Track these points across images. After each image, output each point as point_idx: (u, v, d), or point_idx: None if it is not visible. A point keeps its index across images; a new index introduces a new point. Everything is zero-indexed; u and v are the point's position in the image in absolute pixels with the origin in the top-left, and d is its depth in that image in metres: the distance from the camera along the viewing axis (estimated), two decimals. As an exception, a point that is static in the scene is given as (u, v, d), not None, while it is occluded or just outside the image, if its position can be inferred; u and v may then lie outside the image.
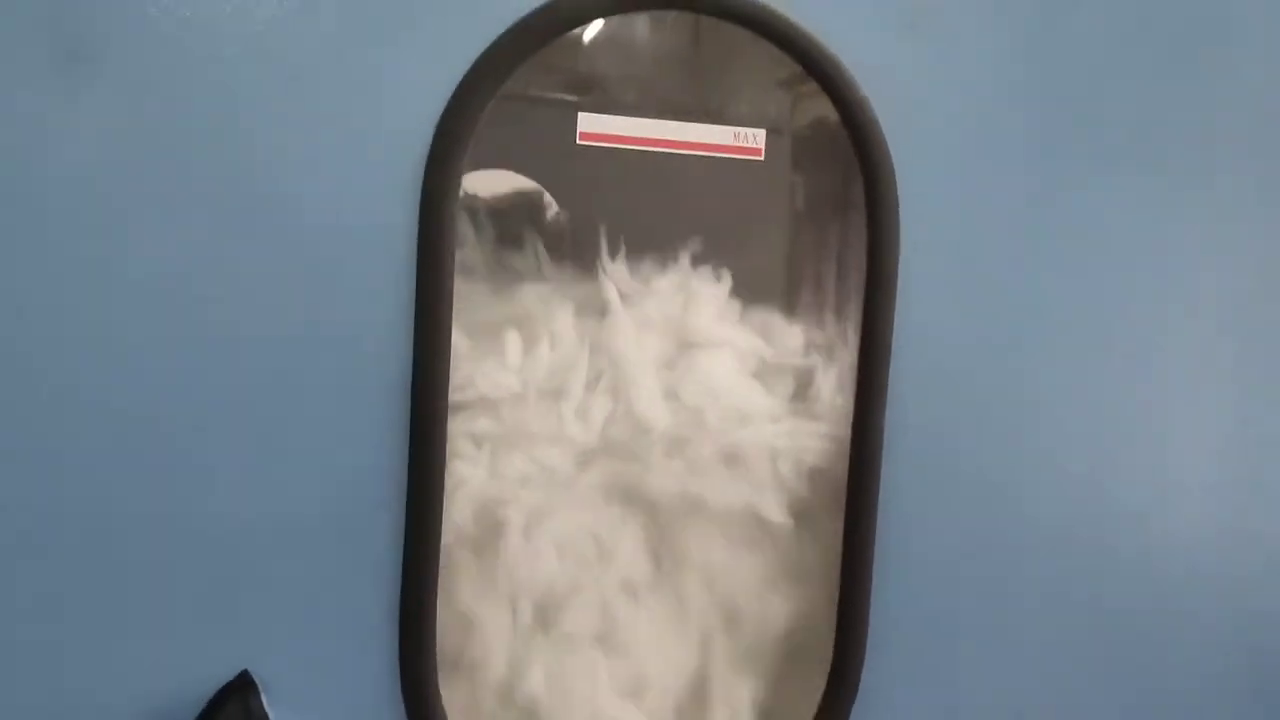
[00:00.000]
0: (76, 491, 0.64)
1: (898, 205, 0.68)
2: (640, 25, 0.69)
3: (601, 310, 0.66)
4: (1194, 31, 0.71)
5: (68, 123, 0.61)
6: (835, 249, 0.72)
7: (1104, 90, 0.72)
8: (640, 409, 0.65)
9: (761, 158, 0.68)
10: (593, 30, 0.68)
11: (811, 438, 0.69)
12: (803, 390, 0.70)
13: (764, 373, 0.69)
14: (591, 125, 0.66)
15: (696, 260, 0.69)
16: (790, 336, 0.69)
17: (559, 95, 0.67)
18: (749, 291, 0.69)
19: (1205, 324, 0.73)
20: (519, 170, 0.71)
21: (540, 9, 0.66)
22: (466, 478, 0.66)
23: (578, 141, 0.66)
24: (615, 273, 0.66)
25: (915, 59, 0.69)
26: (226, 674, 0.67)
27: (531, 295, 0.66)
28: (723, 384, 0.67)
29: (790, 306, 0.71)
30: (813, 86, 0.67)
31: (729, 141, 0.67)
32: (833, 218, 0.71)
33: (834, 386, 0.70)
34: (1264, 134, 0.73)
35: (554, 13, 0.66)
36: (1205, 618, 0.76)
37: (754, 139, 0.67)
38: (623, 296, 0.66)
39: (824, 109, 0.68)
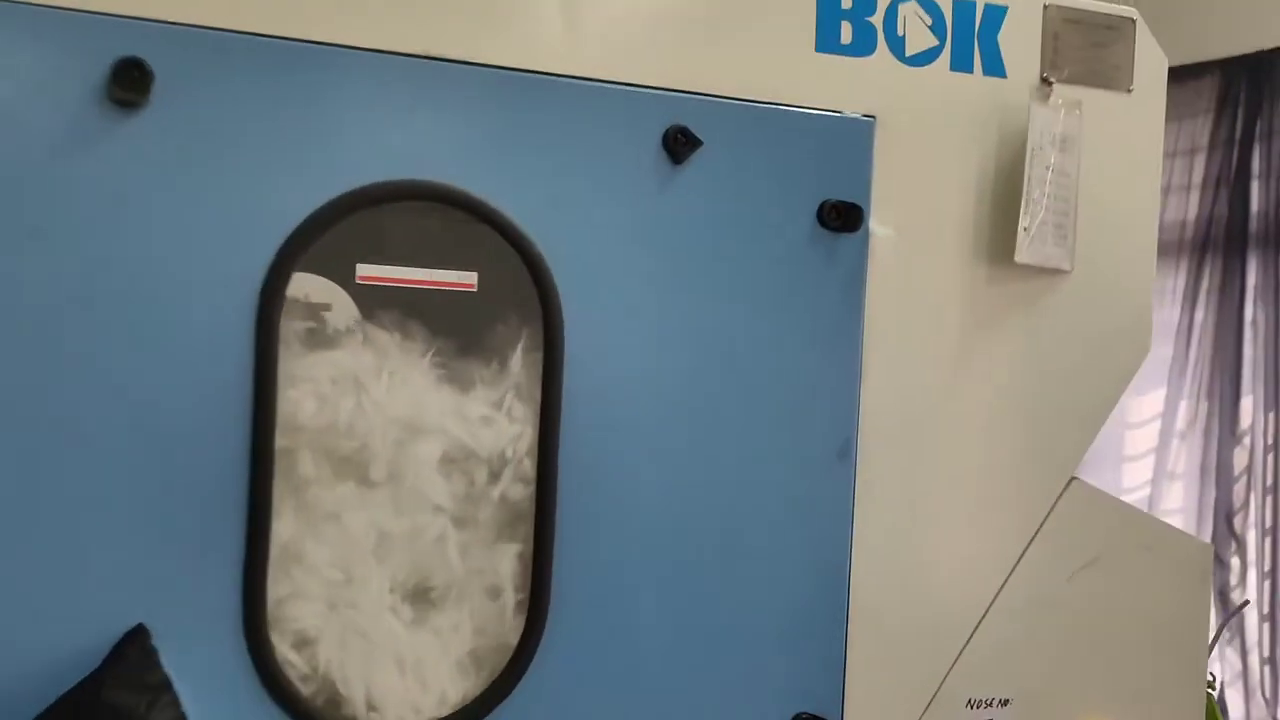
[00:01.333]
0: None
1: (563, 325, 1.12)
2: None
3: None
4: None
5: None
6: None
7: (702, 242, 1.18)
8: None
9: (474, 290, 1.11)
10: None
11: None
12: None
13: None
14: (365, 270, 1.08)
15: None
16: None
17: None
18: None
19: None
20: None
21: (334, 200, 1.07)
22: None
23: (357, 281, 1.08)
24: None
25: (574, 227, 1.14)
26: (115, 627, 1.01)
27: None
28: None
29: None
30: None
31: (452, 280, 1.10)
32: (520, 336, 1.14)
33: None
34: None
35: (342, 204, 1.07)
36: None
37: (469, 279, 1.10)
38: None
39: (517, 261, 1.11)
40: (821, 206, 1.21)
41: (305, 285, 1.06)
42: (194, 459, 1.03)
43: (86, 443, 1.01)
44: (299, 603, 1.07)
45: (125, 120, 1.01)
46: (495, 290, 1.11)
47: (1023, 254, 1.27)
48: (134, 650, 1.03)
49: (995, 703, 1.30)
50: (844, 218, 1.21)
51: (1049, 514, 1.32)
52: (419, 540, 1.09)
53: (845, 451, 1.23)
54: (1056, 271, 1.30)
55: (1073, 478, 1.33)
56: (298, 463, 1.06)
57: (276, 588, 1.05)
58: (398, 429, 1.08)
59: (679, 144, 1.15)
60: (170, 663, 1.03)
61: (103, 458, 1.01)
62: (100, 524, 1.02)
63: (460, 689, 1.11)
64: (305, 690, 1.06)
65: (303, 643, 1.07)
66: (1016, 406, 1.31)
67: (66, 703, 1.00)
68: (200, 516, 1.04)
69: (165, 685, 1.03)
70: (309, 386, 1.06)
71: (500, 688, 1.11)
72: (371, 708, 1.08)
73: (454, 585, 1.10)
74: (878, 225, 1.24)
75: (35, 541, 1.00)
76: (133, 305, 1.02)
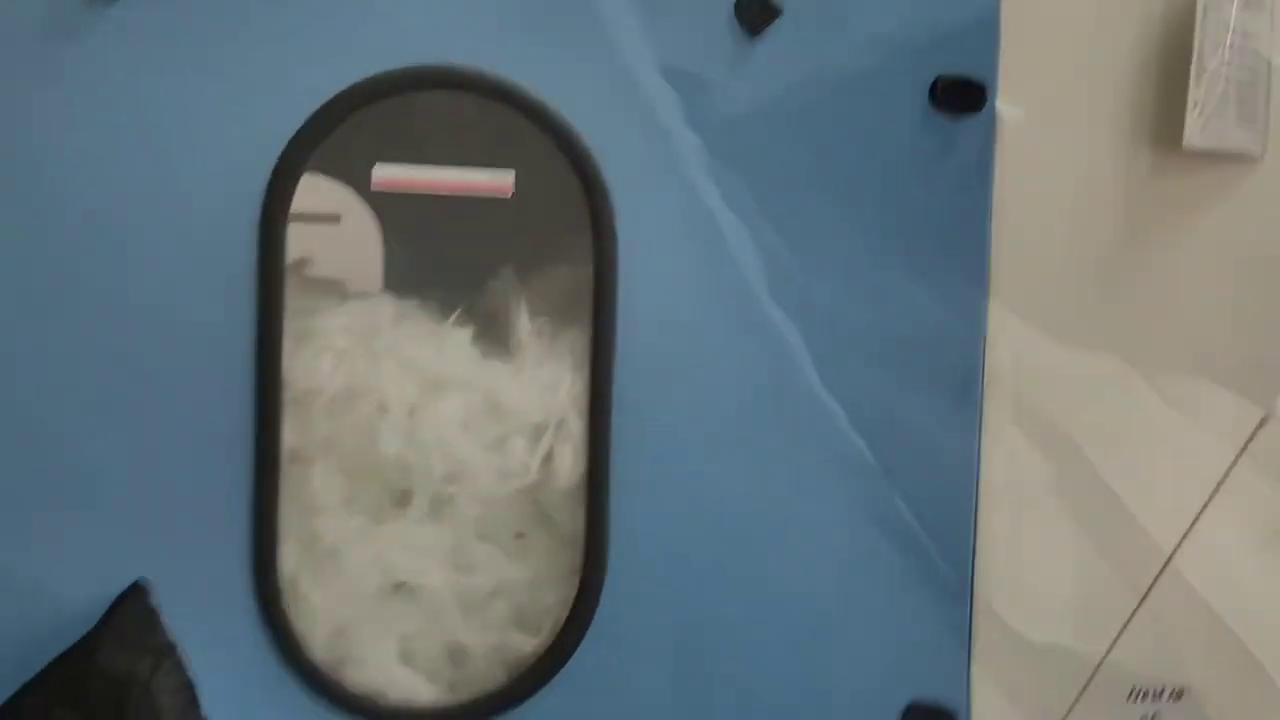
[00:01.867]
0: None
1: (616, 236, 0.94)
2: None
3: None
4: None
5: None
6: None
7: (783, 132, 0.99)
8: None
9: (510, 196, 0.94)
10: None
11: None
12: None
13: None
14: (383, 174, 0.93)
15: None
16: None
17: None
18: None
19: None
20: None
21: (351, 88, 0.93)
22: None
23: (373, 187, 0.93)
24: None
25: (631, 134, 0.96)
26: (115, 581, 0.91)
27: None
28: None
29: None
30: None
31: (484, 181, 0.94)
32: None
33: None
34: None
35: (360, 91, 0.92)
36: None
37: (504, 181, 0.94)
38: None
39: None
40: (935, 84, 0.99)
41: (314, 189, 0.92)
42: (195, 386, 0.91)
43: (76, 371, 0.90)
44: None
45: (106, 9, 0.89)
46: (534, 195, 0.95)
47: (1195, 137, 1.02)
48: (132, 609, 0.92)
49: (1166, 694, 1.07)
50: (964, 97, 0.99)
51: (1234, 461, 1.07)
52: None
53: (968, 389, 1.02)
54: (1242, 158, 1.05)
55: (1265, 417, 1.08)
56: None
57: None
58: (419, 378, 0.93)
59: (754, 12, 0.96)
60: (176, 626, 0.92)
61: (95, 388, 0.90)
62: (100, 460, 0.91)
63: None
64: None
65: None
66: (1192, 332, 1.06)
67: (57, 669, 0.90)
68: (201, 451, 0.92)
69: (169, 647, 0.92)
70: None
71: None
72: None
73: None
74: (1006, 106, 1.01)
75: (30, 489, 0.90)
76: (123, 212, 0.90)
